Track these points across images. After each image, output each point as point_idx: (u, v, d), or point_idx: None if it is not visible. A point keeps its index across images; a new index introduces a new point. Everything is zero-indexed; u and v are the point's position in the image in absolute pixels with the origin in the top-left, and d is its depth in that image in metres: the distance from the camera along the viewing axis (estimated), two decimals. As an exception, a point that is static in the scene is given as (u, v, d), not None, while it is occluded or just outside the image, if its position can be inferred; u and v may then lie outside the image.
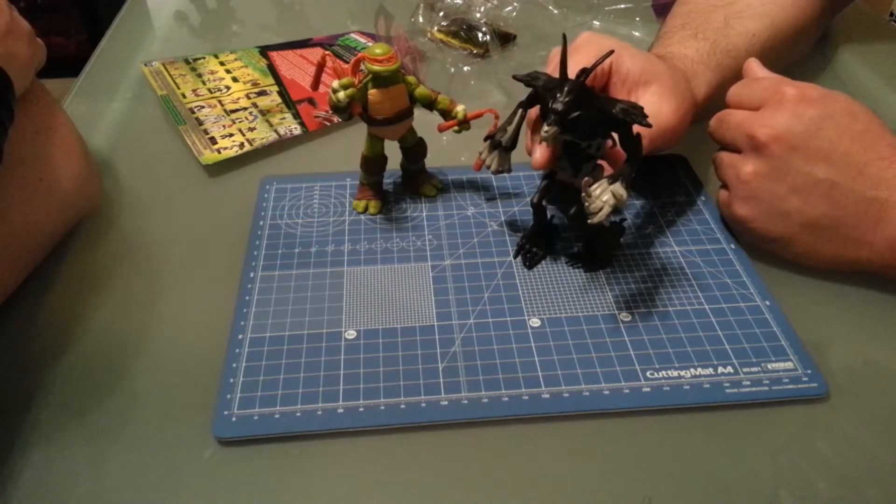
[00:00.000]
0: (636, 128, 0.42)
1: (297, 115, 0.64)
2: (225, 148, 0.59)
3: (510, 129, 0.46)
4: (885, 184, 0.44)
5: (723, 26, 0.58)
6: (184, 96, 0.66)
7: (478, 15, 0.73)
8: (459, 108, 0.50)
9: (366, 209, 0.53)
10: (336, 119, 0.63)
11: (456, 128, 0.51)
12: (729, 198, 0.48)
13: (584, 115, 0.41)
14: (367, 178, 0.53)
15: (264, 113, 0.64)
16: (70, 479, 0.37)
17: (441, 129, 0.51)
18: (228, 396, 0.40)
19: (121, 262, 0.50)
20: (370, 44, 0.73)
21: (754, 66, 0.50)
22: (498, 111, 0.51)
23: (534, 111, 0.47)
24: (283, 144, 0.61)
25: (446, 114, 0.51)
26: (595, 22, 0.78)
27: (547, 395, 0.40)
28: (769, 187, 0.46)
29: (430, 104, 0.50)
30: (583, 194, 0.43)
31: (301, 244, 0.51)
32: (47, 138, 0.47)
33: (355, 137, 0.53)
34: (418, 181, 0.55)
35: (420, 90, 0.50)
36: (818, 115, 0.45)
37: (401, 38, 0.69)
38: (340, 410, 0.40)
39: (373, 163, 0.53)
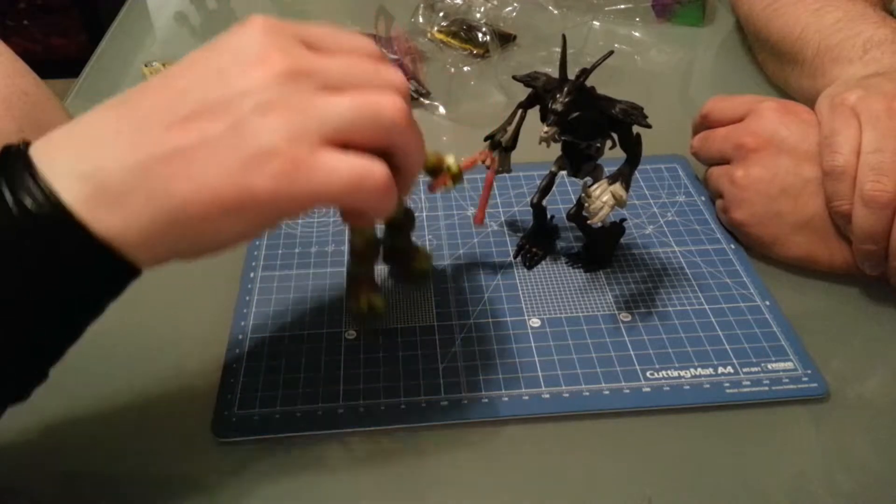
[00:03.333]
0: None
1: (297, 116, 0.64)
2: (225, 148, 0.59)
3: (510, 129, 0.46)
4: None
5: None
6: (184, 96, 0.66)
7: (478, 15, 0.73)
8: (451, 161, 0.42)
9: (369, 307, 0.42)
10: None
11: (449, 183, 0.42)
12: (724, 205, 0.50)
13: (583, 115, 0.41)
14: (363, 269, 0.42)
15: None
16: (69, 480, 0.37)
17: (434, 189, 0.43)
18: (228, 396, 0.40)
19: (121, 263, 0.50)
20: (370, 44, 0.73)
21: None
22: (492, 155, 0.47)
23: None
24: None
25: (436, 171, 0.42)
26: (595, 22, 0.78)
27: (547, 395, 0.40)
28: (761, 189, 0.47)
29: None
30: (582, 195, 0.43)
31: (301, 244, 0.51)
32: (33, 136, 0.46)
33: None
34: (407, 257, 0.45)
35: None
36: (802, 122, 0.47)
37: (401, 38, 0.69)
38: (340, 410, 0.40)
39: (367, 251, 0.42)
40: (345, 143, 0.30)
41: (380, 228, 0.43)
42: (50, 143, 0.30)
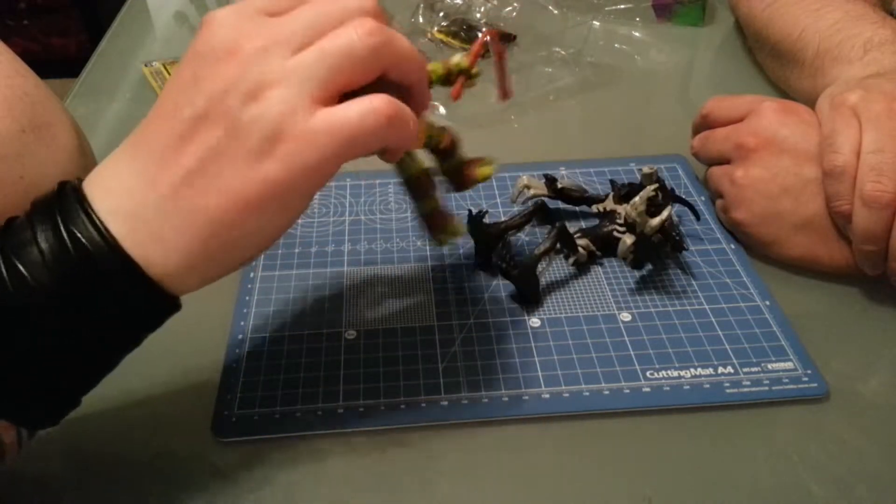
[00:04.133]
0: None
1: (297, 116, 0.64)
2: (225, 148, 0.59)
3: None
4: None
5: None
6: (184, 96, 0.66)
7: (478, 15, 0.73)
8: (457, 59, 0.39)
9: (454, 234, 0.42)
10: None
11: (468, 82, 0.40)
12: (724, 205, 0.50)
13: None
14: (431, 203, 0.42)
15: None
16: (69, 480, 0.37)
17: (456, 96, 0.40)
18: (228, 396, 0.40)
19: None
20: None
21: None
22: (494, 31, 0.45)
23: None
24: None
25: (449, 78, 0.40)
26: (595, 22, 0.78)
27: (547, 395, 0.40)
28: (761, 188, 0.47)
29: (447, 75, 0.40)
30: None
31: (301, 244, 0.51)
32: (35, 136, 0.46)
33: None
34: (464, 171, 0.42)
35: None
36: (803, 122, 0.47)
37: (401, 38, 0.69)
38: (340, 410, 0.40)
39: (427, 182, 0.41)
40: (341, 92, 0.30)
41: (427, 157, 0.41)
42: (91, 184, 0.31)
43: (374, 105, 0.30)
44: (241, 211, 0.30)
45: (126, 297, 0.30)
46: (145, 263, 0.30)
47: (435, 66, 0.40)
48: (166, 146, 0.30)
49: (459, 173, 0.42)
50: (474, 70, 0.40)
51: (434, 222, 0.42)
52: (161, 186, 0.30)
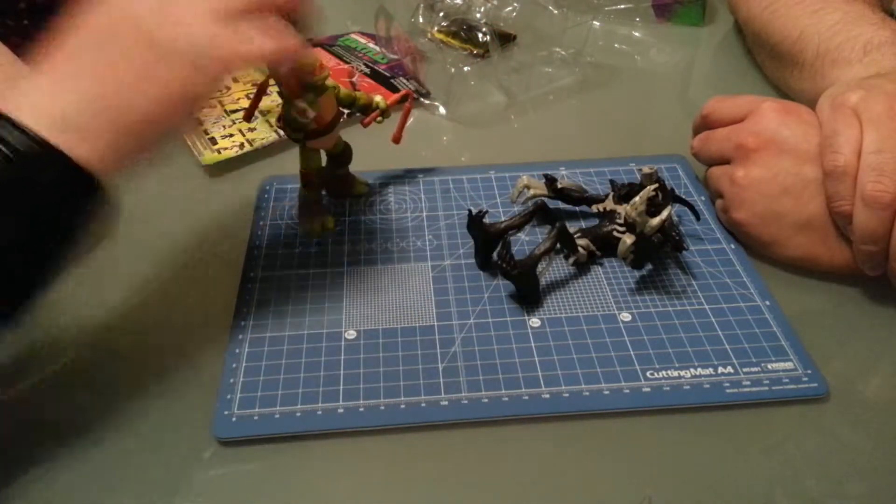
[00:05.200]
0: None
1: (297, 116, 0.64)
2: (225, 148, 0.59)
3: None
4: None
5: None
6: (184, 96, 0.66)
7: (478, 15, 0.73)
8: (378, 99, 0.50)
9: (323, 227, 0.51)
10: None
11: (379, 118, 0.51)
12: (725, 205, 0.50)
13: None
14: (315, 195, 0.52)
15: (264, 113, 0.64)
16: (70, 480, 0.37)
17: (366, 124, 0.51)
18: (228, 396, 0.40)
19: (120, 263, 0.50)
20: (371, 44, 0.73)
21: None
22: (412, 91, 0.52)
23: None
24: (283, 145, 0.61)
25: (367, 108, 0.51)
26: (595, 22, 0.78)
27: (547, 395, 0.40)
28: (761, 189, 0.47)
29: (351, 103, 0.50)
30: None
31: (301, 244, 0.51)
32: None
33: (354, 138, 0.53)
34: (346, 183, 0.55)
35: (343, 92, 0.49)
36: (803, 122, 0.47)
37: (401, 38, 0.69)
38: (340, 410, 0.40)
39: (318, 179, 0.51)
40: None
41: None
42: (17, 94, 0.35)
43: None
44: (161, 113, 0.37)
45: (60, 185, 0.34)
46: (77, 155, 0.34)
47: (360, 95, 0.51)
48: (88, 66, 0.36)
49: (343, 186, 0.54)
50: (388, 112, 0.50)
51: (311, 213, 0.51)
52: (91, 94, 0.35)
